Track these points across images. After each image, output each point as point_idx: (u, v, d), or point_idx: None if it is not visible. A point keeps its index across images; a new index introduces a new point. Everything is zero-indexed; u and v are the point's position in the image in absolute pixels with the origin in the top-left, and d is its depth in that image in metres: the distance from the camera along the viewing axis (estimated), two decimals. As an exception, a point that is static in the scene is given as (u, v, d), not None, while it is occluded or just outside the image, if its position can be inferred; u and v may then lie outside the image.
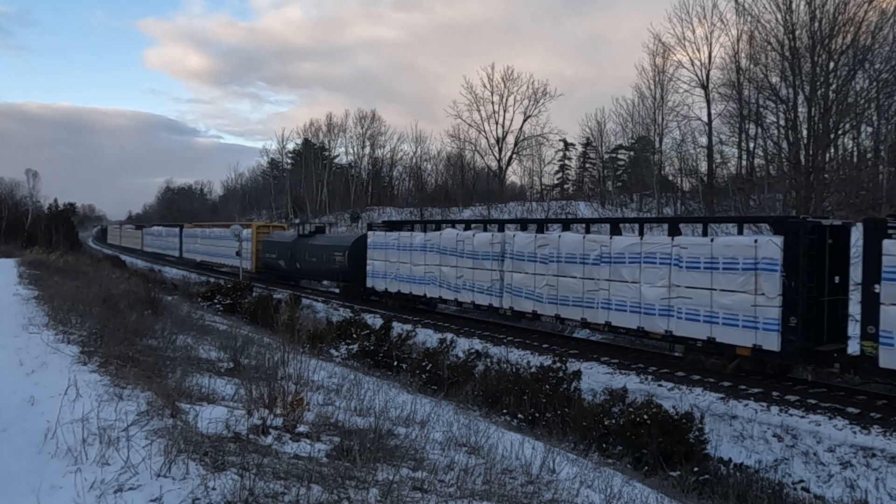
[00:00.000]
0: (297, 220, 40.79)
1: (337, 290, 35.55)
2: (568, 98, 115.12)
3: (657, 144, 50.13)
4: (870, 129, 37.24)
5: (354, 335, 15.65)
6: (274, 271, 39.62)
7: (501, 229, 22.27)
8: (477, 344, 18.92)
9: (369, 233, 28.73)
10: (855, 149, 38.78)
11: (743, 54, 39.01)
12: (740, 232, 16.88)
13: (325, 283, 38.33)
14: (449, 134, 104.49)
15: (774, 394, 13.93)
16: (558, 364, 12.52)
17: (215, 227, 53.18)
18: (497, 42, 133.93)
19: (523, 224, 22.79)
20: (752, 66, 37.48)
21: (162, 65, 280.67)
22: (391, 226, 29.39)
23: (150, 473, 3.96)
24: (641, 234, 17.84)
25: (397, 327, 18.08)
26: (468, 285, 22.57)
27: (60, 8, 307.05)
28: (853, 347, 14.07)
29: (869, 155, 37.71)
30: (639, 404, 10.52)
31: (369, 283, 28.09)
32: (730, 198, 40.65)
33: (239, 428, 5.22)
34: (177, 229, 62.90)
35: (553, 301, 19.35)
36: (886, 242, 12.36)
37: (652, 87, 49.01)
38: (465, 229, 23.80)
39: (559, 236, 19.38)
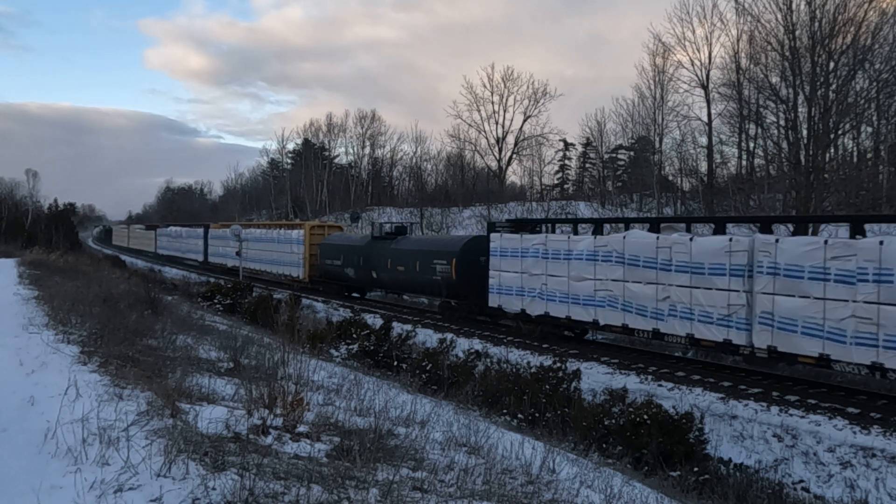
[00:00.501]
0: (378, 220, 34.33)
1: (418, 303, 30.15)
2: (568, 98, 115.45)
3: (657, 144, 50.21)
4: (870, 129, 37.29)
5: (354, 335, 15.66)
6: (337, 281, 32.96)
7: (722, 230, 16.58)
8: (477, 344, 18.93)
9: (492, 235, 21.75)
10: (855, 149, 38.83)
11: (743, 54, 39.09)
12: None
13: (411, 297, 31.87)
14: (449, 134, 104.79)
15: (774, 394, 13.93)
16: (558, 364, 12.52)
17: (255, 228, 45.19)
18: (497, 42, 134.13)
19: (737, 221, 17.10)
20: (752, 66, 37.53)
21: (162, 65, 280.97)
22: (518, 225, 22.71)
23: (150, 473, 3.96)
24: (855, 233, 13.54)
25: (397, 327, 18.08)
26: (681, 311, 15.87)
27: (61, 8, 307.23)
28: None
29: (869, 155, 37.74)
30: (639, 404, 10.52)
31: (494, 302, 21.53)
32: (730, 198, 40.68)
33: (239, 428, 5.22)
34: (200, 230, 55.01)
35: (870, 342, 12.67)
36: None
37: (652, 87, 49.11)
38: (650, 229, 17.49)
39: (881, 243, 12.72)
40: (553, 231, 21.19)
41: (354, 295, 33.14)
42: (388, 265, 27.64)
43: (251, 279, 39.17)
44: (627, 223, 19.64)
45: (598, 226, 19.83)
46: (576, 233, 20.22)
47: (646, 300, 16.73)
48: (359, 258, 30.22)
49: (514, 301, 20.81)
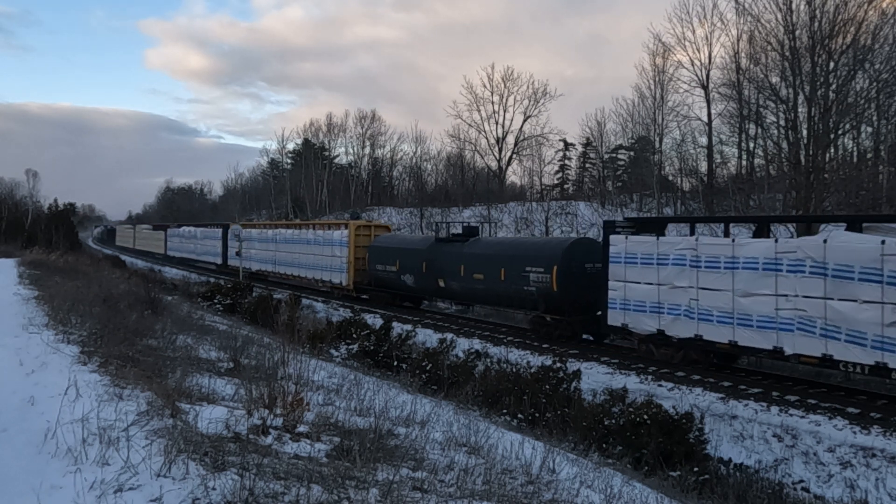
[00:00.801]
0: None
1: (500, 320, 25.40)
2: (568, 98, 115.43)
3: (657, 144, 50.23)
4: (870, 129, 37.30)
5: (354, 335, 15.66)
6: (391, 290, 28.71)
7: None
8: (477, 344, 18.91)
9: (613, 238, 17.73)
10: (855, 149, 38.84)
11: (743, 54, 39.11)
12: None
13: (484, 308, 27.09)
14: (449, 134, 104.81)
15: (774, 394, 13.94)
16: (558, 364, 12.53)
17: (284, 228, 40.65)
18: (497, 42, 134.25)
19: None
20: (752, 66, 37.55)
21: (163, 65, 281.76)
22: (643, 225, 18.84)
23: (150, 473, 3.96)
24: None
25: (397, 327, 18.08)
26: None
27: (61, 8, 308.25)
28: None
29: (869, 155, 37.75)
30: (639, 404, 10.52)
31: (615, 319, 17.55)
32: (730, 198, 40.69)
33: (239, 428, 5.22)
34: (218, 230, 49.71)
35: None
36: None
37: (652, 87, 49.15)
38: (847, 230, 13.74)
39: None
40: (692, 233, 17.10)
41: (406, 305, 28.66)
42: (462, 272, 23.27)
43: (281, 286, 36.25)
44: (811, 222, 15.66)
45: (761, 226, 16.08)
46: (726, 235, 16.13)
47: (863, 324, 12.63)
48: (420, 264, 25.75)
49: (645, 320, 16.82)
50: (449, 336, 16.75)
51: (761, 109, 36.66)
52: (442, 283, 24.72)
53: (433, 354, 13.86)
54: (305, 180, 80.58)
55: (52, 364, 7.24)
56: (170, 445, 4.33)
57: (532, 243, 23.40)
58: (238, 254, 36.96)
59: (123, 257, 59.11)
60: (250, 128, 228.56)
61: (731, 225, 17.82)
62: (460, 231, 26.43)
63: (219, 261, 48.26)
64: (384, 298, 28.97)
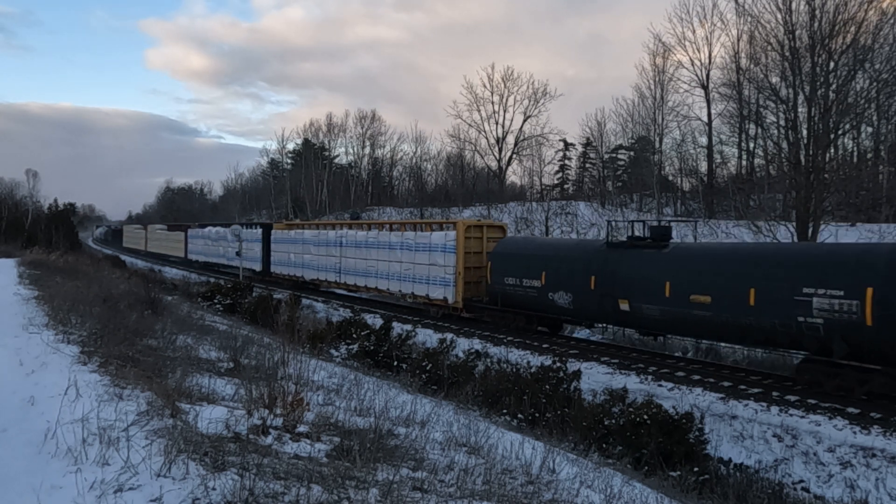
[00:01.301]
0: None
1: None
2: (568, 98, 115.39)
3: (657, 144, 50.28)
4: (870, 129, 37.35)
5: (354, 335, 15.66)
6: (530, 310, 21.15)
7: None
8: (477, 344, 18.90)
9: None
10: (855, 149, 38.90)
11: (743, 54, 39.21)
12: None
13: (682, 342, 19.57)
14: (449, 134, 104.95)
15: (774, 394, 13.93)
16: (558, 364, 12.52)
17: (347, 228, 32.65)
18: (497, 42, 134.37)
19: None
20: (752, 66, 37.59)
21: (163, 65, 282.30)
22: None
23: (150, 473, 3.96)
24: None
25: (397, 327, 18.07)
26: None
27: (62, 8, 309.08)
28: None
29: (869, 155, 37.79)
30: (639, 404, 10.52)
31: None
32: (730, 198, 40.72)
33: (239, 428, 5.22)
34: (257, 230, 42.04)
35: None
36: None
37: (652, 87, 49.23)
38: None
39: None
40: None
41: (541, 330, 21.42)
42: (666, 291, 16.30)
43: (346, 300, 31.08)
44: None
45: None
46: None
47: None
48: (585, 278, 18.66)
49: None
50: (449, 336, 16.75)
51: (761, 109, 36.67)
52: (625, 307, 17.62)
53: (433, 354, 13.86)
54: (305, 180, 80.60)
55: (52, 364, 7.24)
56: (170, 445, 4.33)
57: (805, 250, 15.96)
58: (238, 254, 36.91)
59: (136, 261, 55.36)
60: (250, 128, 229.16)
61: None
62: (650, 233, 18.26)
63: (257, 267, 40.33)
64: (515, 322, 21.69)
